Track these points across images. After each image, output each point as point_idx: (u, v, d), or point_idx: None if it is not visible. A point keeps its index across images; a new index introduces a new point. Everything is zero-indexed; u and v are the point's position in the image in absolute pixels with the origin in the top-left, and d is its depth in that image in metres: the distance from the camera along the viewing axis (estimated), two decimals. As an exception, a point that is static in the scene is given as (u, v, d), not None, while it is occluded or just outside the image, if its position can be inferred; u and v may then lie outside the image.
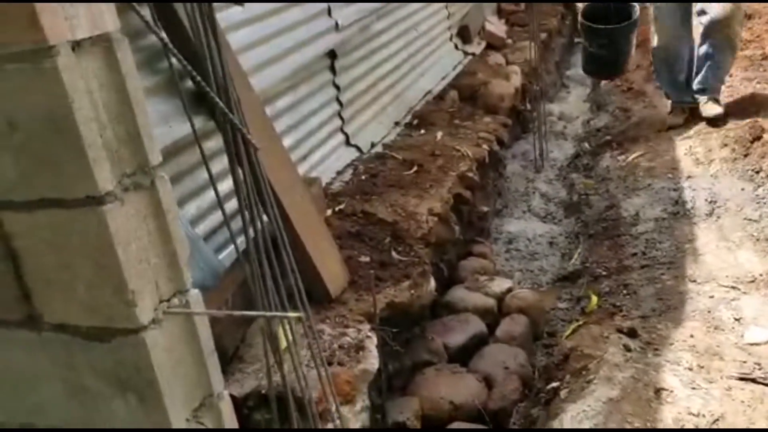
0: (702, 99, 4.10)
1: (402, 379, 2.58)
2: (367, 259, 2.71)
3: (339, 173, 3.57)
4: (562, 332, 2.72)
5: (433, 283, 2.77)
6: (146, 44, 2.09)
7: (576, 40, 7.74)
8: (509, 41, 6.24)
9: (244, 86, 2.30)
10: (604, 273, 3.06)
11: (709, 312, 2.40)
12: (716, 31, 3.90)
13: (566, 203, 3.98)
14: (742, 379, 1.98)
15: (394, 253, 2.78)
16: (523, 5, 7.05)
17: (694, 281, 2.69)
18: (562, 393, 1.97)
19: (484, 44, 6.01)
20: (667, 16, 4.06)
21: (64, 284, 1.19)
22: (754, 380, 1.98)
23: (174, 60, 1.96)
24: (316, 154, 3.46)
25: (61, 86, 1.05)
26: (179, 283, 1.28)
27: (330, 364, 2.05)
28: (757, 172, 3.36)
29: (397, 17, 4.57)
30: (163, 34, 1.23)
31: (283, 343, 1.69)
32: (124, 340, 1.20)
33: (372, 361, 2.15)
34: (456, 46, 5.67)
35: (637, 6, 4.16)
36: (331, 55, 3.64)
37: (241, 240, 1.84)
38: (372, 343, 2.22)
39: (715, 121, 3.98)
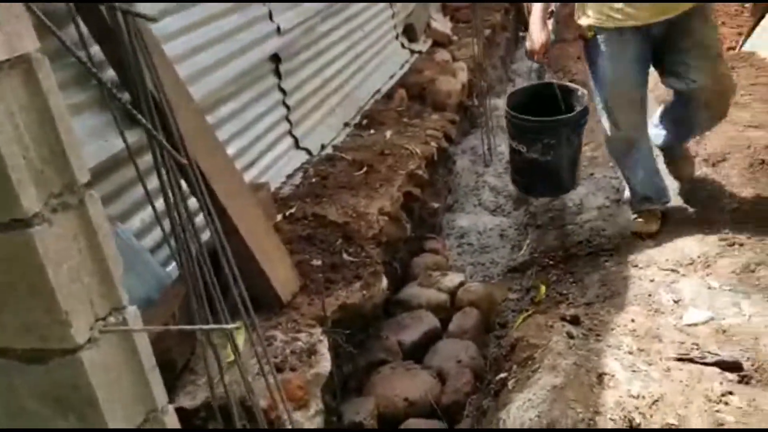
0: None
1: (357, 379, 2.60)
2: (319, 262, 2.72)
3: (289, 177, 3.57)
4: (512, 323, 2.78)
5: (385, 282, 2.80)
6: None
7: (521, 33, 7.86)
8: (455, 38, 6.31)
9: (182, 95, 2.29)
10: (551, 262, 3.14)
11: (649, 296, 2.49)
12: (707, 104, 2.86)
13: (515, 196, 4.06)
14: (680, 359, 2.06)
15: (345, 255, 2.80)
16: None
17: (636, 266, 2.77)
18: (510, 383, 2.02)
19: (430, 42, 6.07)
20: (626, 102, 2.88)
21: (-3, 308, 1.19)
22: (691, 360, 2.06)
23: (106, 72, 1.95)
24: (264, 159, 3.45)
25: (-22, 110, 1.04)
26: (114, 300, 1.28)
27: (282, 370, 2.06)
28: (694, 156, 3.47)
29: (342, 18, 4.58)
30: (84, 53, 1.22)
31: (230, 355, 1.69)
32: (60, 360, 1.20)
33: (324, 364, 2.17)
34: (402, 45, 5.71)
35: (582, 91, 3.10)
36: (275, 59, 3.64)
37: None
38: (324, 346, 2.24)
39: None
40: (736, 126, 3.51)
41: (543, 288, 2.91)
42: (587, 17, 2.80)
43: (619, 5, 2.68)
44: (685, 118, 3.03)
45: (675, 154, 3.29)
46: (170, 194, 1.48)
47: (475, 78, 5.40)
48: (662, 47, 2.80)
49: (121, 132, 1.60)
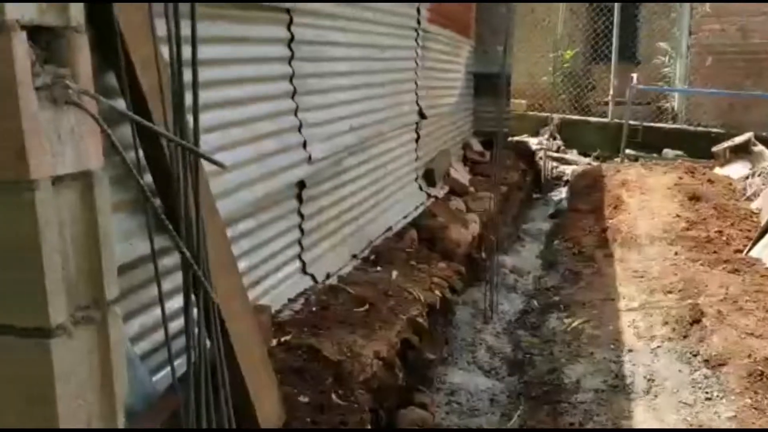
0: None
1: None
2: (306, 399, 2.65)
3: (290, 301, 3.55)
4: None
5: (368, 432, 2.71)
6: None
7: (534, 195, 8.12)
8: (471, 189, 6.51)
9: (211, 211, 2.33)
10: (540, 440, 3.04)
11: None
12: None
13: (511, 360, 4.01)
14: None
15: (334, 396, 2.72)
16: (487, 157, 7.46)
17: (625, 464, 2.69)
18: None
19: (447, 189, 6.27)
20: None
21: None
22: None
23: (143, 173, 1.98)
24: (269, 279, 3.45)
25: (33, 218, 1.06)
26: (111, 421, 1.24)
27: None
28: (695, 356, 3.46)
29: (369, 155, 4.76)
30: (144, 180, 1.26)
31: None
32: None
33: None
34: (420, 187, 5.89)
35: None
36: (300, 184, 3.74)
37: (177, 362, 1.81)
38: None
39: None
40: (738, 332, 3.53)
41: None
42: None
43: None
44: None
45: None
46: (191, 311, 1.47)
47: (486, 232, 5.51)
48: None
49: (151, 239, 1.62)
